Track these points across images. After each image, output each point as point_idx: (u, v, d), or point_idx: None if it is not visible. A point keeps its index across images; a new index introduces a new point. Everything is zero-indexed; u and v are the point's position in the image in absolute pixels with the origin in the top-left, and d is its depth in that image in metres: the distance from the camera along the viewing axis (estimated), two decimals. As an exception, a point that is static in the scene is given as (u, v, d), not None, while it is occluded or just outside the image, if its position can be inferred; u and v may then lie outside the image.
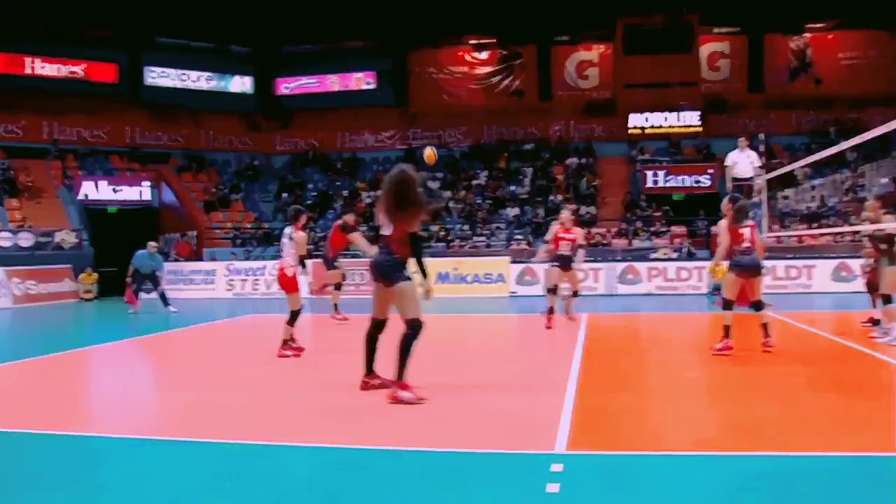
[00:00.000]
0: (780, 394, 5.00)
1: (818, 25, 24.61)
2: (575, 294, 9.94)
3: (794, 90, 24.07)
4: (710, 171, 20.09)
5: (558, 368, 5.93)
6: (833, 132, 21.63)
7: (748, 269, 6.58)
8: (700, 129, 22.63)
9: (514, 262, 16.46)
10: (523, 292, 15.78)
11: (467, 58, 25.68)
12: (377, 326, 5.11)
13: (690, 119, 22.63)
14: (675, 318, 11.36)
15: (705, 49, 24.48)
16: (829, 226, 17.57)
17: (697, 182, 20.27)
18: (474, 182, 22.25)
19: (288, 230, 7.27)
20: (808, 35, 24.68)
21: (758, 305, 6.81)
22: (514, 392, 5.05)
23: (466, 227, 19.94)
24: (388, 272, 4.87)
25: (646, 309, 12.81)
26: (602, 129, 23.68)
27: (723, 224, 6.80)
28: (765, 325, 6.83)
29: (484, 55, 25.64)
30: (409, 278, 4.89)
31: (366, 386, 5.14)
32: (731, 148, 12.93)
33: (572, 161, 22.75)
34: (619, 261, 16.64)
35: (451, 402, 4.83)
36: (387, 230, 4.89)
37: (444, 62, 25.72)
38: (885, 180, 19.13)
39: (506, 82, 25.37)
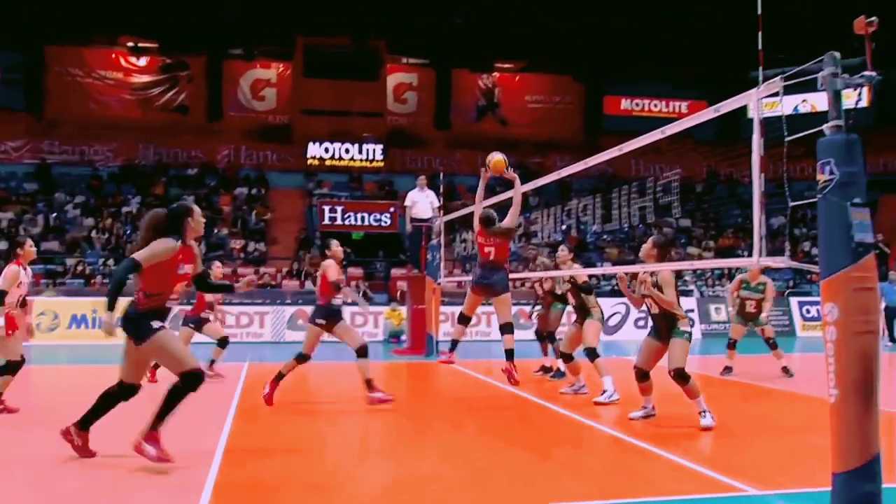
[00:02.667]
0: (450, 448, 6.06)
1: (506, 65, 30.86)
2: (222, 344, 10.90)
3: (480, 129, 29.68)
4: (391, 209, 23.82)
5: (202, 436, 6.34)
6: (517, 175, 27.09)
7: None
8: (382, 163, 26.81)
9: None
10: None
11: (122, 62, 26.90)
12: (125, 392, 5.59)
13: (373, 153, 26.68)
14: (343, 368, 13.18)
15: (392, 79, 29.23)
16: (513, 271, 22.27)
17: (378, 221, 23.89)
18: (124, 209, 23.39)
19: None
20: (496, 74, 30.78)
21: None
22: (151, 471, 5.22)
23: (111, 261, 20.75)
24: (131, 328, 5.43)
25: (318, 357, 14.68)
26: (277, 157, 26.82)
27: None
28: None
29: (142, 61, 27.17)
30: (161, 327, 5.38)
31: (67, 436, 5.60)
32: (414, 185, 15.51)
33: (241, 191, 25.38)
34: (288, 304, 18.93)
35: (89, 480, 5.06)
36: None
37: (93, 64, 26.55)
38: (564, 226, 24.99)
39: (168, 95, 27.18)
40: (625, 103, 31.72)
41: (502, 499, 4.67)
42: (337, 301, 8.15)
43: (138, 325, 5.33)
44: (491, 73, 30.81)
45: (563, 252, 9.12)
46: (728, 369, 10.79)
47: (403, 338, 15.14)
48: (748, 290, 10.76)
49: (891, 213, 26.62)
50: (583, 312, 8.66)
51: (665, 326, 6.70)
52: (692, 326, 6.84)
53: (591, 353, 8.41)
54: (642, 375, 6.92)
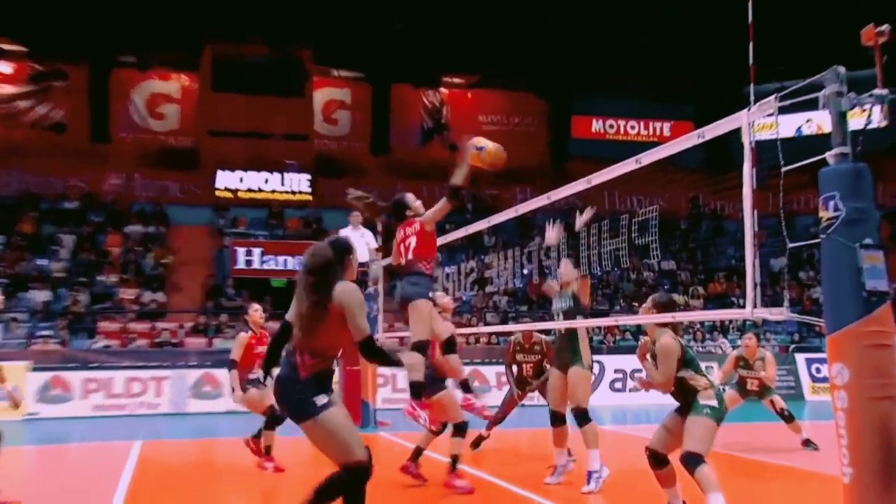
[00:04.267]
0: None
1: (456, 80, 31.18)
2: None
3: (426, 156, 29.76)
4: (320, 250, 23.75)
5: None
6: (470, 210, 26.90)
7: None
8: (310, 196, 26.68)
9: (36, 368, 17.46)
10: (50, 413, 16.74)
11: (-19, 68, 26.42)
12: None
13: (298, 183, 26.60)
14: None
15: (320, 95, 29.38)
16: (461, 324, 22.14)
17: (303, 265, 23.75)
18: (-22, 252, 22.78)
19: None
20: (444, 90, 31.09)
21: None
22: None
23: (-39, 318, 20.27)
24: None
25: (226, 433, 14.26)
26: (179, 188, 26.52)
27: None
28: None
29: (7, 68, 26.71)
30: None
31: None
32: (346, 223, 15.23)
33: (135, 229, 24.90)
34: (193, 367, 18.50)
35: None
36: None
37: (-59, 70, 26.05)
38: (526, 270, 25.04)
39: (40, 111, 26.73)
40: (596, 125, 32.24)
41: None
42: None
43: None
44: (437, 89, 31.10)
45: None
46: None
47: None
48: (746, 368, 11.02)
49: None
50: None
51: (684, 400, 6.28)
52: (720, 399, 6.22)
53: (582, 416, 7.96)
54: (658, 461, 6.34)
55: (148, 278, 23.27)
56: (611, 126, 32.19)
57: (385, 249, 16.77)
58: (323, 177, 27.30)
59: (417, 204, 7.76)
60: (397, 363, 5.46)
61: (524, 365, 10.64)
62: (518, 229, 23.92)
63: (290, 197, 26.63)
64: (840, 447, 4.18)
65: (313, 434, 5.09)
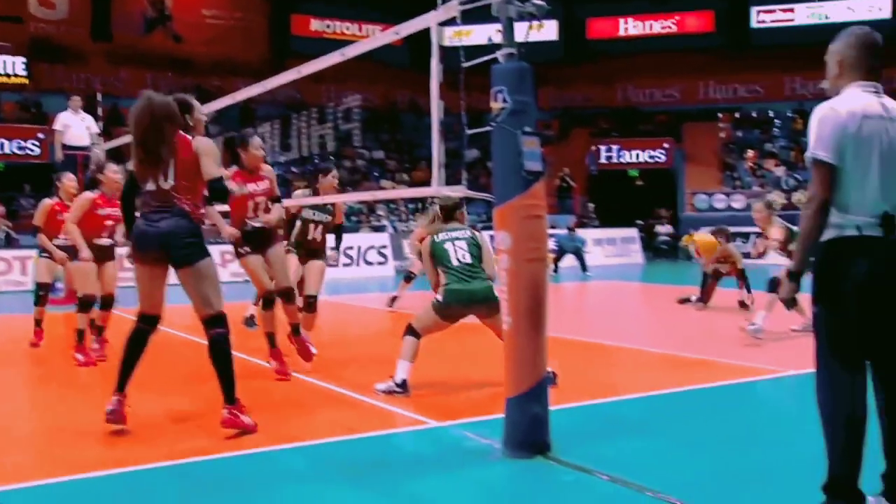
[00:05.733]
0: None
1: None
2: None
3: (149, 45, 28.11)
4: (39, 135, 22.03)
5: None
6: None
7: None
8: (26, 80, 24.41)
9: None
10: None
11: None
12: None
13: (14, 66, 24.20)
14: None
15: (36, -23, 26.52)
16: None
17: (23, 149, 22.01)
18: None
19: None
20: (167, -20, 29.22)
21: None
22: None
23: None
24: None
25: None
26: None
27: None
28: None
29: None
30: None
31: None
32: (66, 107, 14.36)
33: None
34: None
35: None
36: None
37: None
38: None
39: None
40: (315, 24, 31.70)
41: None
42: None
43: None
44: (161, -21, 29.22)
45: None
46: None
47: (59, 285, 14.15)
48: None
49: (579, 145, 29.59)
50: None
51: None
52: None
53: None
54: None
55: None
56: (328, 26, 31.81)
57: (108, 133, 16.00)
58: (40, 61, 24.94)
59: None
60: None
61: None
62: (240, 119, 23.44)
63: (5, 80, 24.16)
64: (503, 301, 4.63)
65: (197, 278, 5.04)
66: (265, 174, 7.04)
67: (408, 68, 27.17)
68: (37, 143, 22.01)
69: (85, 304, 7.86)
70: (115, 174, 7.82)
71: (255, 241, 6.95)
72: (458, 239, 6.28)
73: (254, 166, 6.96)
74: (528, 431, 4.51)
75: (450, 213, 6.48)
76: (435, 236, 6.33)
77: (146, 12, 28.82)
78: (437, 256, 6.24)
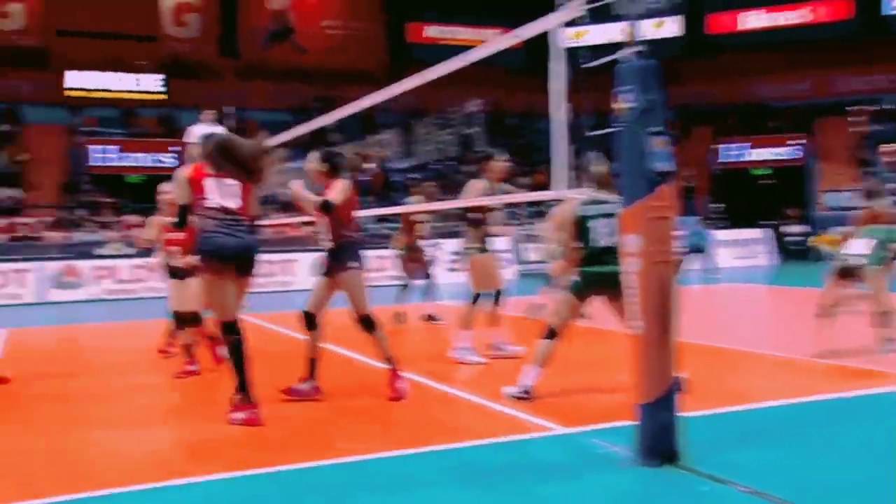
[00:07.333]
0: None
1: (300, -16, 30.08)
2: None
3: (274, 58, 28.97)
4: (174, 148, 23.02)
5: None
6: (316, 109, 26.78)
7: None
8: (164, 96, 25.59)
9: None
10: None
11: None
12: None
13: (151, 83, 25.42)
14: (127, 328, 12.93)
15: (169, -4, 27.78)
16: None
17: (159, 161, 23.00)
18: None
19: None
20: (289, -5, 30.07)
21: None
22: None
23: None
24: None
25: (90, 318, 14.31)
26: (31, 88, 24.90)
27: None
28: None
29: None
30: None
31: None
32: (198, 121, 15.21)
33: (-12, 128, 23.36)
34: (54, 259, 18.06)
35: None
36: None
37: None
38: (370, 166, 25.11)
39: None
40: (430, 30, 32.01)
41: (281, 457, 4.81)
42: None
43: None
44: (282, -7, 30.08)
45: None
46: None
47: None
48: None
49: (701, 144, 28.79)
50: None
51: None
52: None
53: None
54: None
55: (3, 176, 22.05)
56: (444, 32, 32.06)
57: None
58: (176, 77, 26.17)
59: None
60: None
61: None
62: (361, 127, 23.89)
63: (145, 97, 25.45)
64: (631, 305, 4.52)
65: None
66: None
67: (523, 71, 27.06)
68: (172, 155, 22.95)
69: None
70: None
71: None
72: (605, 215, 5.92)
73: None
74: (659, 439, 4.39)
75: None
76: (581, 207, 5.97)
77: (270, 26, 29.72)
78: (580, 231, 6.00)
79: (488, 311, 8.05)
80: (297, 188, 6.37)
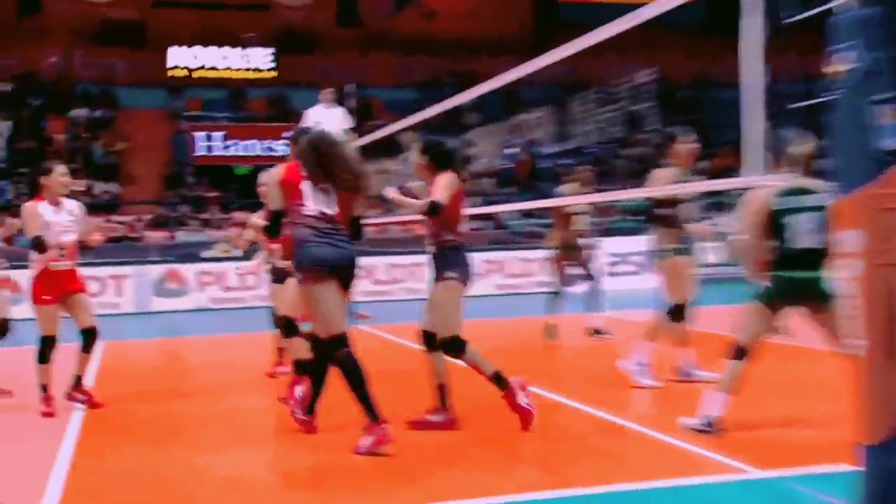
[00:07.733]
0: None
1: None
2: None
3: (398, 26, 29.06)
4: (286, 133, 23.34)
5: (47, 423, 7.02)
6: (449, 84, 26.56)
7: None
8: (274, 73, 26.21)
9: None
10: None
11: None
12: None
13: (260, 59, 26.09)
14: (235, 340, 13.12)
15: (280, -41, 28.40)
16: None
17: (270, 150, 23.47)
18: None
19: None
20: (418, -49, 30.23)
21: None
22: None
23: None
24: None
25: (195, 331, 14.74)
26: (127, 67, 25.87)
27: None
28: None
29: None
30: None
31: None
32: (316, 102, 15.09)
33: (80, 113, 24.48)
34: (156, 262, 18.59)
35: None
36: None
37: None
38: (512, 150, 25.00)
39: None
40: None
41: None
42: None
43: None
44: (411, -50, 30.33)
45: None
46: None
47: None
48: None
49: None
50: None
51: None
52: None
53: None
54: None
55: (98, 168, 23.05)
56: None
57: (359, 128, 16.66)
58: (287, 53, 26.73)
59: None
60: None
61: None
62: (502, 105, 23.75)
63: (253, 75, 26.16)
64: (848, 318, 4.26)
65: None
66: None
67: (699, 31, 26.37)
68: (284, 143, 23.13)
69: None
70: None
71: None
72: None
73: None
74: (890, 489, 4.12)
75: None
76: (776, 200, 5.71)
77: (395, -12, 29.94)
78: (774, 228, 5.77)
79: (677, 327, 7.85)
80: (394, 195, 6.41)
